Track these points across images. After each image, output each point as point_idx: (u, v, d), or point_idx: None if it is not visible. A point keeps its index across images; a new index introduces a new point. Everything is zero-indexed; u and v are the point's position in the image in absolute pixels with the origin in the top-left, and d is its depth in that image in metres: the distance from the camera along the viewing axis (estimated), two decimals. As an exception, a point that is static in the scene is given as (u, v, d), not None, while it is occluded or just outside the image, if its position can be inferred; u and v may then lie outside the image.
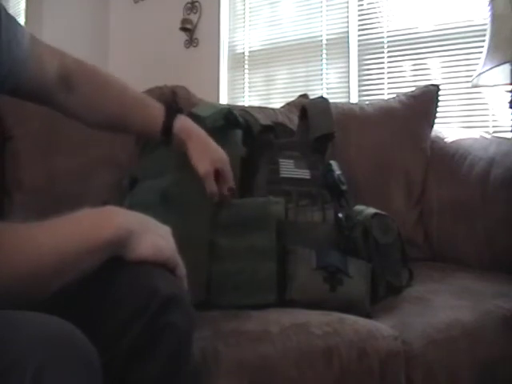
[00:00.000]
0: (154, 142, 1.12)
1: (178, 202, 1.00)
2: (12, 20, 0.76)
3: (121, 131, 1.00)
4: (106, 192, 1.22)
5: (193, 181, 0.99)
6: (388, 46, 2.58)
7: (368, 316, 0.94)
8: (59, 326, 0.48)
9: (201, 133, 0.96)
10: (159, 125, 0.93)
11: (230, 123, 1.09)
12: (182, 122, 0.94)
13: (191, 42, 3.22)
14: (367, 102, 1.85)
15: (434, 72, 2.45)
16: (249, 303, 0.93)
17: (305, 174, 1.10)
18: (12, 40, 0.76)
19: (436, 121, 1.62)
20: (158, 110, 0.93)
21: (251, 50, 3.11)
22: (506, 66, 1.84)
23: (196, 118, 1.06)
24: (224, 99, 3.10)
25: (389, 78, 2.57)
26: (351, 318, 0.90)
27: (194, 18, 3.21)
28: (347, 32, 2.73)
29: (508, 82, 1.88)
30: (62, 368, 0.45)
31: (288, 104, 1.70)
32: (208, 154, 0.95)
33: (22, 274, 0.53)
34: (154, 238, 0.62)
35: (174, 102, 1.38)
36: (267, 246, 0.97)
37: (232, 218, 0.98)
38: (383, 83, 2.59)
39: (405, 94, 1.66)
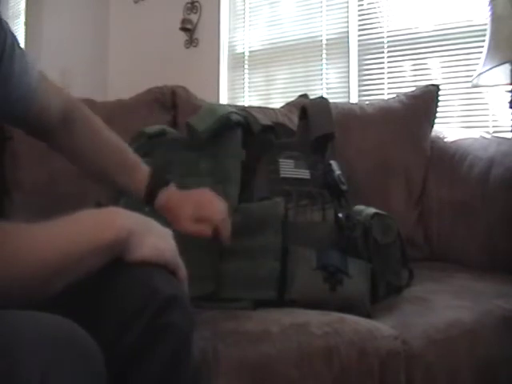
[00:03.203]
0: (148, 146, 1.13)
1: None
2: (23, 51, 0.79)
3: (105, 184, 0.99)
4: (105, 192, 1.22)
5: (200, 187, 1.01)
6: (388, 46, 2.58)
7: (368, 316, 0.94)
8: (64, 326, 0.48)
9: (180, 206, 0.90)
10: (142, 193, 0.91)
11: (228, 126, 1.09)
12: (164, 199, 0.91)
13: (191, 41, 3.22)
14: (367, 102, 1.85)
15: (434, 72, 2.45)
16: (251, 298, 0.94)
17: (305, 174, 1.10)
18: (23, 68, 0.78)
19: (436, 121, 1.62)
20: (144, 179, 0.91)
21: (251, 49, 3.11)
22: (506, 66, 1.84)
23: (192, 131, 1.07)
24: (224, 99, 3.10)
25: (389, 77, 2.57)
26: (351, 318, 0.90)
27: (194, 17, 3.21)
28: (347, 32, 2.73)
29: (508, 82, 1.88)
30: (68, 368, 0.45)
31: (288, 104, 1.70)
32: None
33: (24, 274, 0.53)
34: (154, 239, 0.62)
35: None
36: (272, 245, 0.98)
37: (242, 222, 1.00)
38: (383, 83, 2.59)
39: (405, 94, 1.66)
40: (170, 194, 0.92)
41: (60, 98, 0.88)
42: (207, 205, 0.91)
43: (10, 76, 0.75)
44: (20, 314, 0.48)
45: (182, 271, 0.66)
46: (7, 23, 0.76)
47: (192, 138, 1.09)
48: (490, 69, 1.80)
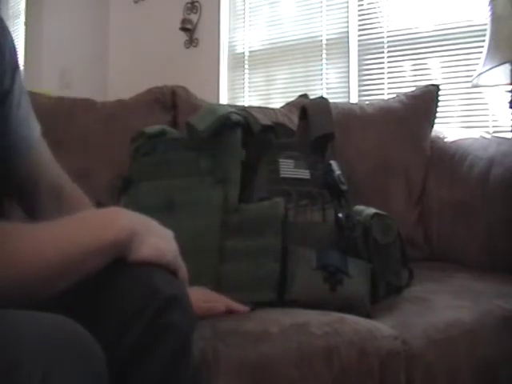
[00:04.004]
0: (148, 146, 1.13)
1: (186, 208, 1.02)
2: (31, 108, 0.78)
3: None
4: (105, 192, 1.22)
5: (200, 186, 1.00)
6: (388, 46, 2.58)
7: (368, 316, 0.94)
8: (65, 325, 0.48)
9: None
10: None
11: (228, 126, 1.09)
12: None
13: (191, 41, 3.22)
14: (367, 102, 1.85)
15: (434, 72, 2.45)
16: (250, 299, 0.94)
17: (305, 174, 1.10)
18: (25, 119, 0.76)
19: (436, 121, 1.62)
20: None
21: (251, 49, 3.11)
22: (506, 66, 1.85)
23: (192, 130, 1.07)
24: (224, 99, 3.10)
25: (389, 78, 2.57)
26: (351, 318, 0.90)
27: (194, 17, 3.21)
28: (347, 32, 2.73)
29: (508, 82, 1.88)
30: (68, 368, 0.45)
31: (288, 104, 1.70)
32: None
33: (25, 275, 0.53)
34: (156, 240, 0.62)
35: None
36: (273, 246, 0.98)
37: (242, 222, 1.00)
38: (383, 83, 2.59)
39: (405, 94, 1.66)
40: None
41: (58, 173, 0.84)
42: (209, 293, 0.91)
43: (16, 112, 0.74)
44: (20, 314, 0.48)
45: (183, 271, 0.66)
46: (20, 74, 0.75)
47: (192, 137, 1.09)
48: (490, 69, 1.80)
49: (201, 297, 0.88)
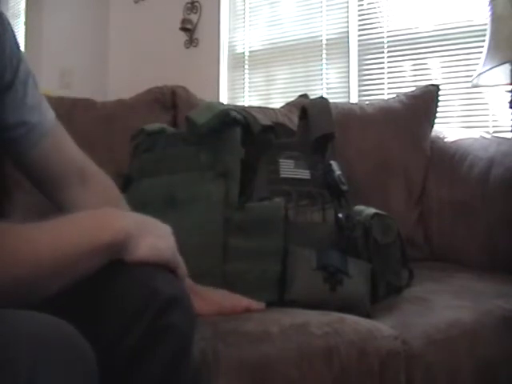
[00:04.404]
0: (148, 143, 1.13)
1: (188, 203, 1.02)
2: (40, 96, 0.79)
3: None
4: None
5: (201, 181, 1.00)
6: (388, 46, 2.58)
7: (368, 316, 0.94)
8: (57, 326, 0.48)
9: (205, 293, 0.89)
10: None
11: (227, 124, 1.09)
12: None
13: (191, 41, 3.22)
14: (367, 102, 1.85)
15: (434, 72, 2.45)
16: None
17: (305, 174, 1.10)
18: (36, 103, 0.78)
19: (436, 121, 1.62)
20: None
21: (251, 49, 3.11)
22: (506, 66, 1.85)
23: (191, 124, 1.07)
24: (224, 99, 3.10)
25: (389, 78, 2.57)
26: (351, 318, 0.90)
27: (194, 17, 3.21)
28: (347, 32, 2.73)
29: (508, 82, 1.88)
30: (58, 368, 0.45)
31: (288, 104, 1.70)
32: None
33: (21, 274, 0.53)
34: (153, 240, 0.62)
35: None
36: (275, 247, 0.99)
37: (244, 221, 1.00)
38: (383, 83, 2.59)
39: (405, 94, 1.66)
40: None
41: (78, 154, 0.86)
42: (229, 293, 0.92)
43: (23, 102, 0.76)
44: (20, 314, 0.48)
45: (183, 269, 0.66)
46: (24, 55, 0.76)
47: (191, 131, 1.08)
48: (490, 69, 1.80)
49: (222, 297, 0.90)
